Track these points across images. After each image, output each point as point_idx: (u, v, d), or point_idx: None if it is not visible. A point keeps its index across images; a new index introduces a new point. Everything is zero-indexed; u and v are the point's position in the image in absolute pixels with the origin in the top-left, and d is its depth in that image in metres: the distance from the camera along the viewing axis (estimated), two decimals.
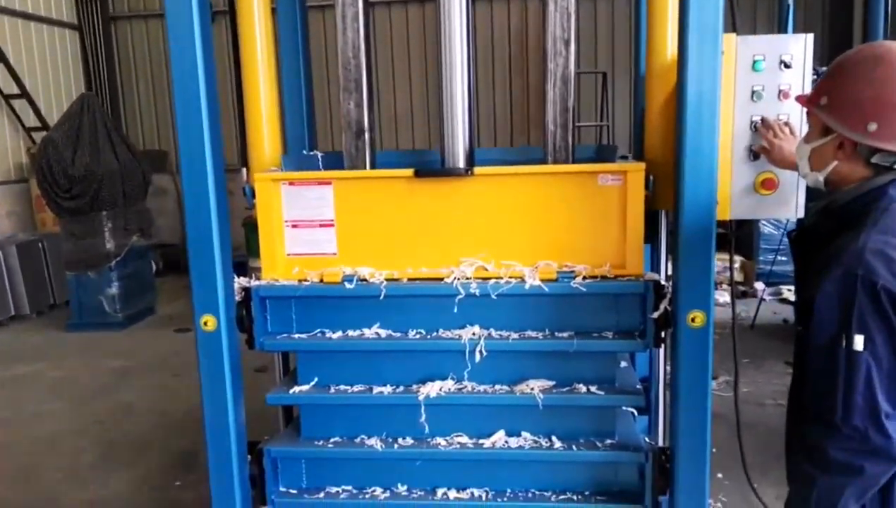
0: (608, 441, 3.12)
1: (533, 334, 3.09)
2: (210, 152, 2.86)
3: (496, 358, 3.07)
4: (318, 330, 3.22)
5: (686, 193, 2.71)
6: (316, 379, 3.25)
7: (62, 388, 7.51)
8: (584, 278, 3.01)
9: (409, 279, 3.15)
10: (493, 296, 3.02)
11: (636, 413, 3.36)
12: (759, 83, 3.08)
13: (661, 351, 3.50)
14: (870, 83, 2.16)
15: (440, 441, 3.17)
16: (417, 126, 13.80)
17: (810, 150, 2.34)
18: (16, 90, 12.00)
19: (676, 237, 2.78)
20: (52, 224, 10.96)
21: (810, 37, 3.06)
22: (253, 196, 3.24)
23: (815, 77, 3.35)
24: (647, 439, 3.30)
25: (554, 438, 3.12)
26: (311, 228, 3.21)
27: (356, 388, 3.20)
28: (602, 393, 3.05)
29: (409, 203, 3.15)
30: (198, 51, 2.79)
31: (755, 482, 3.82)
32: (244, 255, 8.40)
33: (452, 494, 3.18)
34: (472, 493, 3.18)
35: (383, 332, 3.17)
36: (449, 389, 3.10)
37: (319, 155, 3.56)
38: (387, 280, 3.11)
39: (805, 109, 2.71)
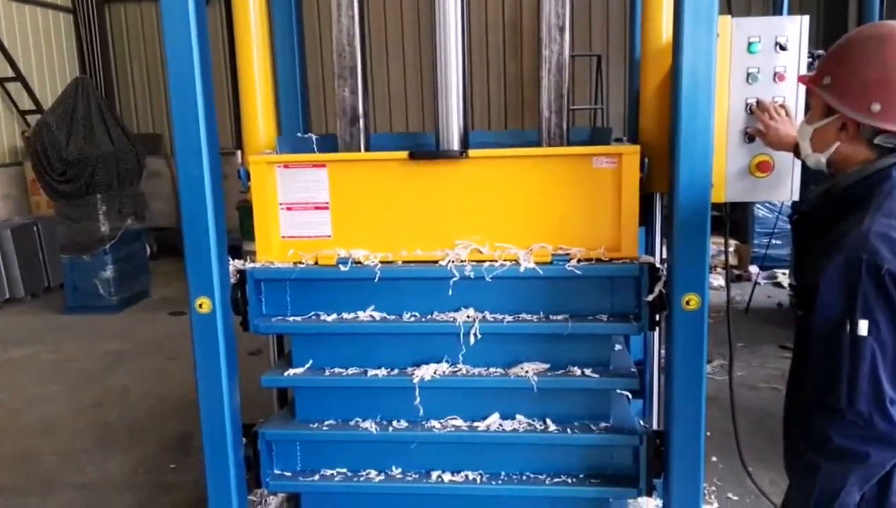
0: (603, 424, 3.12)
1: (527, 317, 3.10)
2: (205, 135, 2.86)
3: (491, 341, 3.07)
4: (313, 312, 3.22)
5: (681, 176, 2.70)
6: (310, 362, 3.25)
7: (58, 371, 7.50)
8: (579, 261, 3.02)
9: (404, 261, 3.15)
10: (488, 279, 3.02)
11: (630, 396, 3.37)
12: (755, 65, 3.07)
13: (656, 334, 3.50)
14: (874, 63, 2.13)
15: (435, 423, 3.17)
16: (412, 108, 13.74)
17: (812, 131, 2.32)
18: (10, 73, 11.94)
19: (671, 220, 2.78)
20: (47, 207, 10.91)
21: (805, 18, 3.05)
22: (247, 179, 3.23)
23: (811, 59, 3.33)
24: (641, 422, 3.31)
25: (548, 421, 3.13)
26: (306, 211, 3.20)
27: (351, 371, 3.21)
28: (596, 376, 3.06)
29: (404, 185, 3.14)
30: (192, 34, 2.78)
31: (750, 465, 3.82)
32: (239, 238, 8.40)
33: (447, 477, 3.18)
34: (467, 476, 3.19)
35: (378, 315, 3.17)
36: (443, 372, 3.11)
37: (314, 137, 3.55)
38: (381, 262, 3.11)
39: (806, 90, 2.69)
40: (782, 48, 3.04)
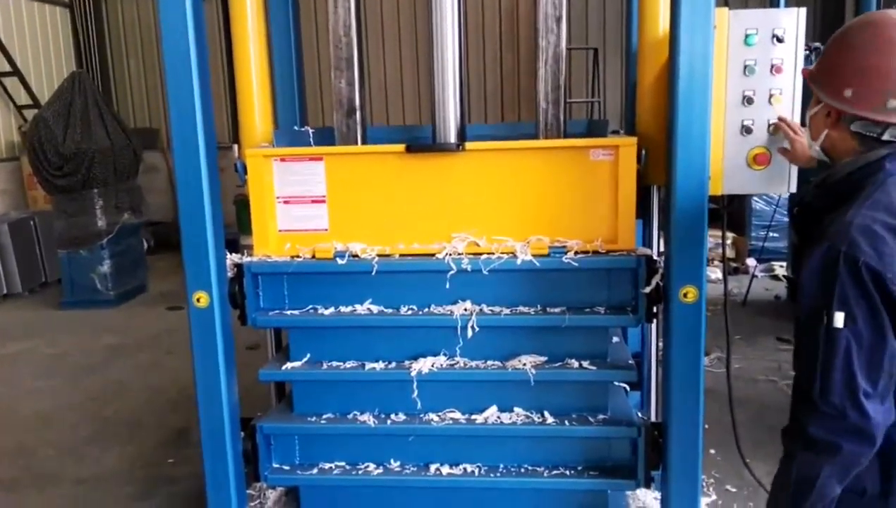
0: (600, 417, 3.13)
1: (525, 309, 3.10)
2: (202, 129, 2.86)
3: (488, 334, 3.08)
4: (311, 306, 3.22)
5: (678, 168, 2.70)
6: (308, 356, 3.25)
7: (56, 366, 7.49)
8: (576, 253, 3.02)
9: (401, 255, 3.15)
10: (485, 272, 3.02)
11: (628, 388, 3.37)
12: (752, 57, 3.06)
13: (653, 326, 3.50)
14: (850, 48, 2.14)
15: (433, 416, 3.18)
16: (408, 100, 13.72)
17: (809, 118, 2.33)
18: (7, 68, 11.92)
19: (668, 212, 2.78)
20: (44, 202, 10.90)
21: (802, 11, 3.05)
22: (244, 172, 3.23)
23: (808, 52, 3.32)
24: (639, 414, 3.32)
25: (546, 413, 3.14)
26: (303, 204, 3.20)
27: (348, 364, 3.21)
28: (594, 368, 3.06)
29: (401, 178, 3.14)
30: (189, 28, 2.78)
31: (748, 457, 3.82)
32: (236, 232, 8.38)
33: (445, 469, 3.19)
34: (465, 468, 3.20)
35: (375, 308, 3.17)
36: (441, 365, 3.11)
37: (310, 130, 3.54)
38: (379, 256, 3.11)
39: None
40: (779, 40, 3.04)
